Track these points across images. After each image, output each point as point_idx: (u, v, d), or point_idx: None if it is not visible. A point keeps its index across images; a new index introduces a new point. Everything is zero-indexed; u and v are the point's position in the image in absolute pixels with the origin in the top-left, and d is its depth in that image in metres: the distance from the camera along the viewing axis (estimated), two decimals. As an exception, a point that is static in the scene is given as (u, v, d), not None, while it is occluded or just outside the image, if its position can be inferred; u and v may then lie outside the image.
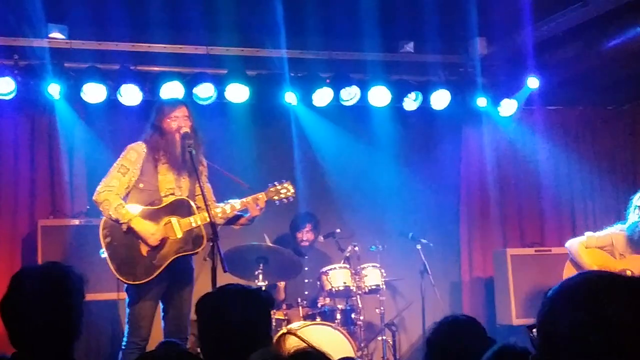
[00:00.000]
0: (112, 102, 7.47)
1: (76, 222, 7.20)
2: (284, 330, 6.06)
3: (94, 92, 7.34)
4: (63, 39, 7.34)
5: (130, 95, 7.40)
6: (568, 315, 1.71)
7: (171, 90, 7.41)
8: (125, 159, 5.76)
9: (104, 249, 5.64)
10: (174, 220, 5.71)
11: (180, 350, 2.44)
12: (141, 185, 5.75)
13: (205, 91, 7.59)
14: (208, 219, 5.50)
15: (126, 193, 5.75)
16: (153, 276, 5.62)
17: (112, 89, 7.39)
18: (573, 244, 6.82)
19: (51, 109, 7.53)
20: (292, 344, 1.73)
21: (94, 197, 5.73)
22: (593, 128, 9.29)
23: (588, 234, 6.90)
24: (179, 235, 5.70)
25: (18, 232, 7.52)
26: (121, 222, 5.60)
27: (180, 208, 5.76)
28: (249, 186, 5.98)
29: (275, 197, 5.94)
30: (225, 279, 5.60)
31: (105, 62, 7.45)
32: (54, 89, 7.17)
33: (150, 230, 5.62)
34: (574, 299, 1.73)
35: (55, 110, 7.52)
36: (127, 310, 5.75)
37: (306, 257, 7.70)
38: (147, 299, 5.68)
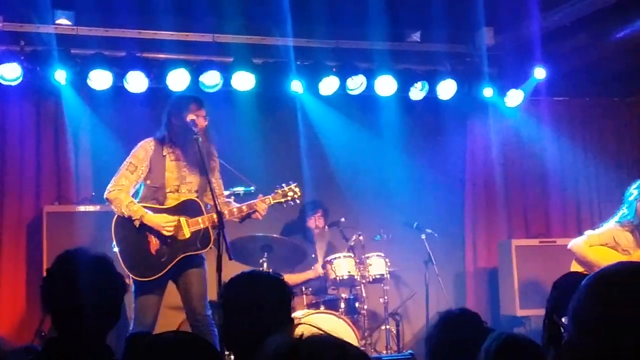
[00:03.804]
0: (118, 89, 7.47)
1: (81, 208, 7.21)
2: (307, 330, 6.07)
3: (100, 79, 7.33)
4: (69, 25, 7.33)
5: (136, 82, 7.39)
6: (607, 302, 1.72)
7: (177, 77, 7.40)
8: (133, 157, 5.92)
9: (115, 244, 5.77)
10: (182, 220, 5.83)
11: (189, 335, 2.45)
12: (148, 181, 5.91)
13: (211, 79, 7.58)
14: (215, 220, 5.62)
15: (135, 190, 5.92)
16: (160, 274, 5.77)
17: (118, 76, 7.38)
18: (577, 245, 6.70)
19: (57, 95, 7.53)
20: (302, 331, 1.77)
21: (105, 195, 5.88)
22: (599, 119, 9.27)
23: (588, 232, 6.83)
24: (187, 235, 5.82)
25: (23, 218, 7.53)
26: (134, 218, 5.74)
27: (190, 208, 5.88)
28: (256, 187, 6.20)
29: (282, 200, 6.11)
30: (230, 266, 5.64)
31: (111, 48, 7.44)
32: (60, 75, 7.17)
33: (162, 221, 5.76)
34: (614, 286, 1.74)
35: (61, 96, 7.51)
36: (133, 301, 5.86)
37: (313, 243, 7.73)
38: (152, 292, 5.83)
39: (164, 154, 5.92)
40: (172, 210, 5.87)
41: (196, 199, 5.93)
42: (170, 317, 6.96)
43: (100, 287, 2.86)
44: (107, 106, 7.62)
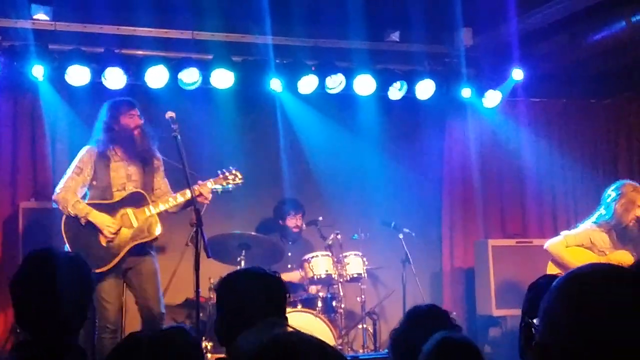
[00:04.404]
0: (96, 85, 7.41)
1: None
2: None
3: (78, 75, 7.27)
4: (47, 21, 7.27)
5: (115, 78, 7.33)
6: (578, 302, 1.73)
7: (156, 74, 7.37)
8: (79, 161, 6.25)
9: (67, 244, 6.02)
10: (129, 211, 6.17)
11: (168, 331, 2.44)
12: (95, 182, 6.22)
13: (190, 76, 7.55)
14: (160, 209, 6.19)
15: (84, 191, 6.23)
16: (113, 263, 6.06)
17: (97, 72, 7.32)
18: (554, 245, 6.76)
19: (35, 91, 7.47)
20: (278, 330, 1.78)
21: (53, 197, 6.22)
22: (575, 121, 9.33)
23: (565, 233, 6.88)
24: (135, 224, 6.16)
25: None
26: (80, 216, 6.06)
27: (136, 200, 6.22)
28: (198, 177, 6.33)
29: (224, 183, 6.40)
30: (208, 264, 5.64)
31: (89, 44, 7.39)
32: (37, 71, 7.11)
33: (106, 222, 6.07)
34: (585, 288, 1.75)
35: (38, 92, 7.45)
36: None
37: (290, 242, 7.73)
38: (108, 283, 6.08)
39: (108, 155, 6.24)
40: (118, 204, 6.18)
41: (141, 190, 6.24)
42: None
43: (71, 287, 2.84)
44: (85, 102, 7.53)
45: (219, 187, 6.37)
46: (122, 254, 6.07)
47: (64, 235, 6.06)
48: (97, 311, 6.04)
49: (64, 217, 6.11)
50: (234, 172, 6.44)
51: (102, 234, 6.06)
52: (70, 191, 6.13)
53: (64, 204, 6.08)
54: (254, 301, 3.24)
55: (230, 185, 6.41)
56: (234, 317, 3.26)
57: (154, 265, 6.26)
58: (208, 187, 6.26)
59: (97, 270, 5.90)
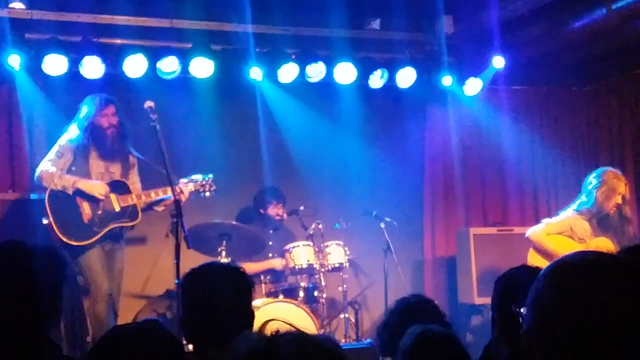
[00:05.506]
0: (73, 75, 7.32)
1: (36, 196, 7.08)
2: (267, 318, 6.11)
3: (55, 64, 7.18)
4: (23, 9, 7.17)
5: (93, 67, 7.24)
6: (565, 291, 1.72)
7: (134, 63, 7.29)
8: (60, 146, 6.46)
9: (49, 215, 6.21)
10: (112, 195, 6.38)
11: (153, 326, 2.42)
12: (73, 168, 6.41)
13: (169, 65, 7.47)
14: (142, 199, 6.46)
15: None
16: (92, 240, 6.27)
17: (74, 61, 7.23)
18: (535, 233, 6.78)
19: (11, 81, 7.37)
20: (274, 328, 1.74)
21: (35, 176, 6.43)
22: (556, 108, 9.35)
23: (546, 220, 6.90)
24: (117, 208, 6.39)
25: (-24, 205, 7.40)
26: (67, 186, 6.25)
27: (119, 187, 6.46)
28: (178, 174, 6.54)
29: (200, 189, 6.65)
30: (189, 255, 5.60)
31: (66, 33, 7.30)
32: (14, 60, 7.01)
33: (95, 185, 6.30)
34: (572, 275, 1.73)
35: (15, 81, 7.35)
36: (81, 273, 6.36)
37: (271, 231, 7.68)
38: (91, 251, 6.29)
39: (87, 149, 6.44)
40: None
41: (124, 180, 6.50)
42: (127, 305, 6.93)
43: (43, 279, 2.80)
44: (62, 92, 7.44)
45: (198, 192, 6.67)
46: (102, 233, 6.31)
47: (47, 209, 6.22)
48: (89, 283, 6.32)
49: (48, 191, 6.27)
50: (210, 181, 6.69)
51: (91, 200, 6.26)
52: (54, 166, 6.32)
53: (49, 178, 6.27)
54: (219, 295, 3.21)
55: (206, 192, 6.69)
56: (199, 312, 3.22)
57: (123, 263, 6.59)
58: (189, 188, 6.52)
59: (78, 244, 6.18)
